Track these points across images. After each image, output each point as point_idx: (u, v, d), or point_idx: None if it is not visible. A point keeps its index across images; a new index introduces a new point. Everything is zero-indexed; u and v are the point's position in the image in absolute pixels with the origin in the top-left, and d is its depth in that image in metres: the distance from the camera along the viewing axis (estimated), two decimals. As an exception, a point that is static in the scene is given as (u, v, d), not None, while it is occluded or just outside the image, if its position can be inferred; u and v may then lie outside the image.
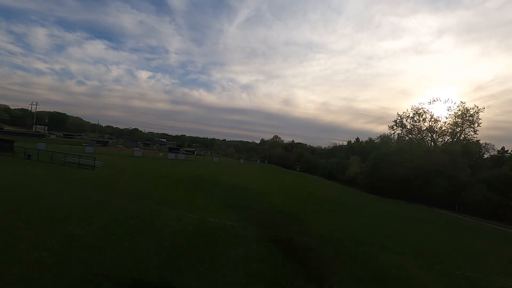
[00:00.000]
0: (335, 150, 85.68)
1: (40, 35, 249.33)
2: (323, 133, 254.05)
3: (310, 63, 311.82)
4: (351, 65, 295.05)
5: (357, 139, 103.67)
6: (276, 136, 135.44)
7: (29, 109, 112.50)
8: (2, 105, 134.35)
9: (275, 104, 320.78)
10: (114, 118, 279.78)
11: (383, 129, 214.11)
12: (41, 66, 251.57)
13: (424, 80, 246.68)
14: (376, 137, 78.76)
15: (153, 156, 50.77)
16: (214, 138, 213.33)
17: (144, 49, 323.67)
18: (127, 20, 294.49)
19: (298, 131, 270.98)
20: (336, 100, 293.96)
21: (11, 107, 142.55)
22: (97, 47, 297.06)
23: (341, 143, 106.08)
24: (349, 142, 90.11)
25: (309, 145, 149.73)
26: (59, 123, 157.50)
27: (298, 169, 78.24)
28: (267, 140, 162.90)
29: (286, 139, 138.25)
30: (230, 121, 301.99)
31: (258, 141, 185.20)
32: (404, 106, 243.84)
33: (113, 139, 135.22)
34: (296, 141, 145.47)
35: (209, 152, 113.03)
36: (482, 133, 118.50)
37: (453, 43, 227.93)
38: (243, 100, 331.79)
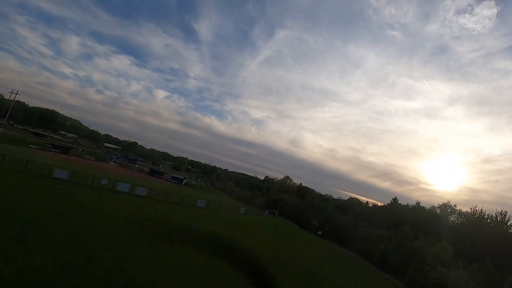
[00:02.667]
0: (371, 212, 61.92)
1: (72, 43, 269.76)
2: (327, 179, 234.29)
3: (322, 109, 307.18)
4: (362, 117, 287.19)
5: (395, 199, 79.49)
6: (287, 177, 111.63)
7: (5, 97, 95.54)
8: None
9: (283, 142, 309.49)
10: (123, 130, 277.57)
11: (386, 185, 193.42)
12: (66, 70, 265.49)
13: (432, 144, 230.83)
14: (437, 205, 55.48)
15: (90, 183, 29.02)
16: (215, 166, 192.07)
17: (166, 70, 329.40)
18: (155, 41, 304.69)
19: (302, 173, 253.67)
20: (343, 148, 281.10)
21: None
22: (123, 62, 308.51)
23: (368, 201, 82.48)
24: (391, 202, 66.37)
25: (318, 192, 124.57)
26: (47, 122, 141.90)
27: (320, 232, 54.45)
28: (273, 179, 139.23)
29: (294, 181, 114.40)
30: (234, 151, 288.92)
31: (261, 177, 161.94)
32: (411, 165, 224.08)
33: (98, 147, 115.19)
34: (302, 184, 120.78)
35: (202, 183, 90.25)
36: (487, 207, 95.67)
37: (463, 113, 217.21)
38: (251, 133, 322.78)
